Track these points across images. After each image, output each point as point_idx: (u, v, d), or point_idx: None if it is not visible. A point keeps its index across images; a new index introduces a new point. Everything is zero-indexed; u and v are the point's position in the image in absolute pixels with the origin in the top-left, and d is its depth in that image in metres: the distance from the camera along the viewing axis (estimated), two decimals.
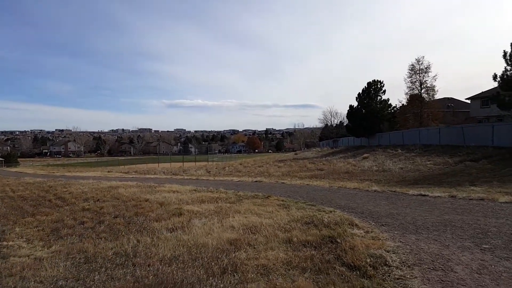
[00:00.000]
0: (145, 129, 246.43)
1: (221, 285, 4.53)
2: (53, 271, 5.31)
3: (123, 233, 7.68)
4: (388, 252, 5.54)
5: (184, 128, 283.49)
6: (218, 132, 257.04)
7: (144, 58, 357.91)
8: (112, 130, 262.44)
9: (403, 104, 43.20)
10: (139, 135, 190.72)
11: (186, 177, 25.58)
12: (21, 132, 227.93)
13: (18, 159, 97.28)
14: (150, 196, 13.49)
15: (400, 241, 6.16)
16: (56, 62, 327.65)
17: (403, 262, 5.05)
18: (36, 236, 7.75)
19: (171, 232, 7.59)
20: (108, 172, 38.12)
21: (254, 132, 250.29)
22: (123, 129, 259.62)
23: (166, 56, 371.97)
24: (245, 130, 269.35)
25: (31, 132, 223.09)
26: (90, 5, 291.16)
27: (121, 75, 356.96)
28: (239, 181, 20.30)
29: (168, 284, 4.58)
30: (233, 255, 5.76)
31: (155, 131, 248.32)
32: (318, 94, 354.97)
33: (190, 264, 5.39)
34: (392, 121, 42.64)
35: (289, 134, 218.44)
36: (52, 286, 4.71)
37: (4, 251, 6.58)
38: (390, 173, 19.45)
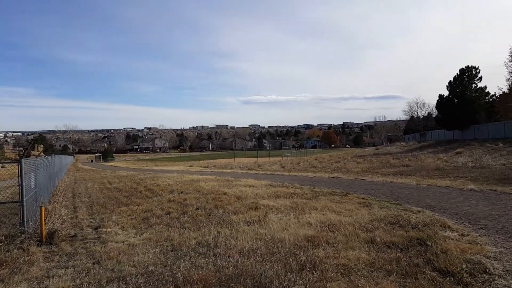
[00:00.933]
0: (222, 125, 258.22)
1: (300, 282, 4.50)
2: (144, 256, 5.87)
3: (204, 224, 8.16)
4: (488, 258, 4.95)
5: (258, 124, 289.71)
6: (292, 127, 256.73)
7: (221, 57, 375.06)
8: (193, 127, 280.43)
9: (504, 92, 37.80)
10: (216, 132, 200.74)
11: (261, 172, 26.09)
12: (115, 130, 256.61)
13: (114, 154, 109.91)
14: (228, 189, 14.09)
15: (504, 247, 5.46)
16: (144, 66, 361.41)
17: (507, 271, 4.46)
18: (130, 224, 8.65)
19: (248, 226, 7.83)
20: (190, 166, 40.85)
21: (329, 126, 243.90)
22: (202, 126, 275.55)
23: (241, 54, 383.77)
24: (320, 125, 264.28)
25: (124, 130, 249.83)
26: (174, 10, 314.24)
27: (201, 74, 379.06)
28: (314, 176, 20.01)
29: (248, 276, 4.72)
30: (311, 252, 5.71)
31: (231, 127, 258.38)
32: (401, 84, 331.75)
33: (268, 258, 5.48)
34: (491, 111, 37.65)
35: (368, 127, 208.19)
36: (143, 270, 5.19)
37: (104, 237, 7.47)
38: (489, 170, 17.24)
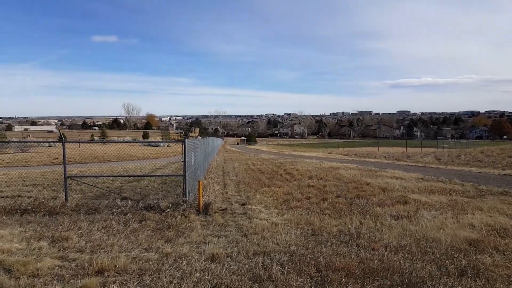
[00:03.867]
0: (365, 111, 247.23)
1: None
2: (286, 236, 6.22)
3: (345, 213, 8.08)
4: None
5: (408, 110, 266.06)
6: (452, 114, 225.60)
7: (364, 38, 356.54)
8: (332, 113, 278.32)
9: None
10: (358, 118, 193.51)
11: (410, 164, 24.00)
12: (258, 116, 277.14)
13: (256, 138, 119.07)
14: (371, 180, 13.52)
15: None
16: (285, 53, 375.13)
17: None
18: (272, 204, 9.28)
19: (395, 220, 7.40)
20: (329, 153, 40.78)
21: (502, 113, 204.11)
22: (342, 112, 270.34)
23: (389, 33, 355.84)
24: (488, 112, 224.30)
25: (265, 116, 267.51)
26: None
27: (341, 58, 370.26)
28: (479, 172, 17.22)
29: (395, 272, 4.46)
30: (474, 257, 5.03)
31: (375, 113, 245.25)
32: None
33: (419, 257, 5.06)
34: None
35: None
36: (286, 249, 5.52)
37: (249, 213, 8.25)
38: None
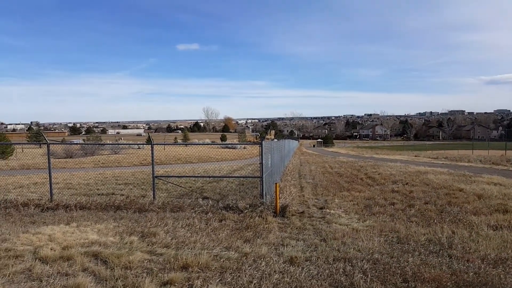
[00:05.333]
0: (456, 111, 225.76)
1: None
2: (368, 243, 5.97)
3: (435, 221, 7.50)
4: None
5: (507, 109, 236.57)
6: None
7: (456, 31, 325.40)
8: (419, 113, 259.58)
9: None
10: (449, 118, 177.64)
11: (511, 169, 21.27)
12: (335, 117, 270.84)
13: (333, 140, 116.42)
14: (464, 186, 12.34)
15: None
16: (365, 50, 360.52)
17: None
18: (352, 209, 8.98)
19: (494, 230, 6.72)
20: (415, 156, 38.08)
21: None
22: (431, 112, 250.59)
23: (485, 23, 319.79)
24: None
25: (343, 117, 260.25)
26: None
27: (429, 53, 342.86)
28: None
29: None
30: None
31: (468, 113, 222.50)
32: None
33: None
34: None
35: None
36: (368, 256, 5.30)
37: (328, 217, 8.09)
38: None
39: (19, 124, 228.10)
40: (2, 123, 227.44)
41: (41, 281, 4.54)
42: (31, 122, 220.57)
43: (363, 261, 5.06)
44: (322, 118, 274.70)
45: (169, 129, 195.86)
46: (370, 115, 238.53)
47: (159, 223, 7.41)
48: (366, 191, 11.94)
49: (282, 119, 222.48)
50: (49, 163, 10.50)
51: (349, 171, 19.27)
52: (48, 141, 10.92)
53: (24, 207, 9.11)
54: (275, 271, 4.78)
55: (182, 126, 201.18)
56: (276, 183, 8.79)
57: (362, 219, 7.89)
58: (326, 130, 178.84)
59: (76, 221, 7.68)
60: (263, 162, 9.31)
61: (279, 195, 8.62)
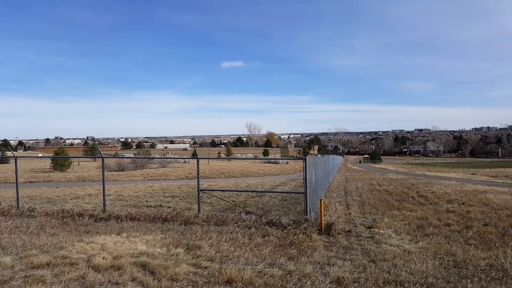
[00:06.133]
0: None
1: None
2: (422, 266, 5.64)
3: (496, 245, 6.97)
4: None
5: None
6: None
7: None
8: (475, 128, 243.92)
9: None
10: (509, 133, 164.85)
11: None
12: (383, 132, 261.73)
13: (381, 156, 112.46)
14: None
15: None
16: (413, 62, 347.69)
17: None
18: (403, 229, 8.55)
19: None
20: (472, 174, 35.69)
21: None
22: (488, 127, 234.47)
23: None
24: None
25: (392, 132, 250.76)
26: None
27: (485, 65, 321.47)
28: None
29: None
30: None
31: None
32: None
33: None
34: None
35: None
36: (422, 280, 4.99)
37: (377, 237, 7.77)
38: None
39: (76, 139, 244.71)
40: (61, 138, 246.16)
41: None
42: (87, 137, 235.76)
43: (416, 285, 4.78)
44: (368, 133, 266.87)
45: (213, 143, 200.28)
46: (421, 130, 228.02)
47: (204, 236, 7.53)
48: (418, 210, 11.35)
49: (326, 134, 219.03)
50: (103, 175, 11.13)
51: (399, 189, 18.46)
52: (103, 155, 11.61)
53: (79, 217, 9.70)
54: None
55: (225, 141, 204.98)
56: (320, 200, 8.64)
57: (415, 240, 7.49)
58: (373, 146, 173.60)
59: (126, 232, 8.02)
60: (307, 177, 9.20)
61: (324, 212, 8.44)
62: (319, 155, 18.22)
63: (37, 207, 10.87)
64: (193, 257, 6.12)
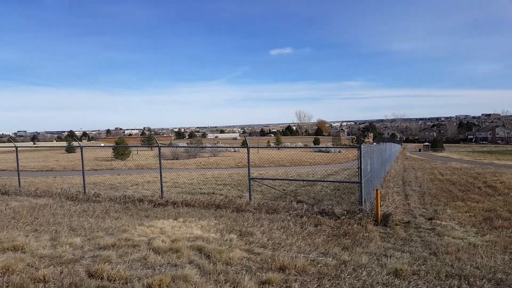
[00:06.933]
0: None
1: None
2: (489, 260, 5.29)
3: None
4: None
5: None
6: None
7: None
8: None
9: None
10: None
11: None
12: (446, 118, 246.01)
13: (443, 144, 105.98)
14: None
15: None
16: (477, 43, 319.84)
17: None
18: (468, 221, 8.06)
19: None
20: None
21: None
22: None
23: None
24: None
25: (455, 118, 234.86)
26: None
27: None
28: None
29: None
30: None
31: None
32: None
33: None
34: None
35: None
36: (490, 276, 4.69)
37: (438, 229, 7.39)
38: None
39: (134, 129, 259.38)
40: (120, 129, 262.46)
41: (154, 269, 5.08)
42: (144, 128, 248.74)
43: (483, 280, 4.50)
44: (429, 119, 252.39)
45: (262, 132, 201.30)
46: (489, 115, 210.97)
47: (255, 224, 7.67)
48: (485, 201, 10.61)
49: (382, 121, 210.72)
50: (160, 163, 11.72)
51: (463, 179, 17.35)
52: (159, 144, 12.20)
53: (140, 202, 10.33)
54: (377, 282, 4.55)
55: (275, 130, 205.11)
56: (377, 190, 8.37)
57: (481, 233, 7.03)
58: (435, 133, 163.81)
59: (183, 217, 8.41)
60: (362, 166, 8.94)
61: (380, 202, 8.18)
62: (375, 143, 17.57)
63: (101, 192, 11.77)
64: (245, 243, 6.27)
